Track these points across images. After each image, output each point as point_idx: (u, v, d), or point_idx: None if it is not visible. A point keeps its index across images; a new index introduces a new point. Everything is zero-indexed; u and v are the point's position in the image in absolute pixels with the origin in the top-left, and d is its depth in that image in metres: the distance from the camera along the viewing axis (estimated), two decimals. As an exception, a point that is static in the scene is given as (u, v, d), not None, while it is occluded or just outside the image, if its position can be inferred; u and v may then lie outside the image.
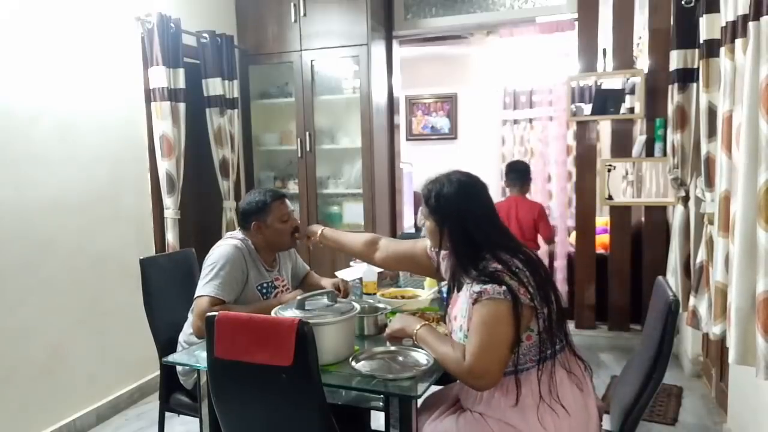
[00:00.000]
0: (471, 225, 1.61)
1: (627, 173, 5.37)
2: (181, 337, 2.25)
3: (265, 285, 2.25)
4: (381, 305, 2.06)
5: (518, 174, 3.98)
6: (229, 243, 2.19)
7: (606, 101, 4.00)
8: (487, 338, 1.46)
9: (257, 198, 2.24)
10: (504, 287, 1.48)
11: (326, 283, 2.39)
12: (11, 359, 2.59)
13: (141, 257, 2.30)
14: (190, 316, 2.23)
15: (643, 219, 4.06)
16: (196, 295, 2.08)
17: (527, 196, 4.00)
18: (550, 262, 4.44)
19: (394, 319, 1.78)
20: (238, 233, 2.28)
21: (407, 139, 7.21)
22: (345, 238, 2.20)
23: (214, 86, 3.69)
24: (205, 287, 2.06)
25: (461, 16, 4.23)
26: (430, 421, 1.69)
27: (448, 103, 7.18)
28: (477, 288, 1.51)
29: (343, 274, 2.51)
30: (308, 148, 4.12)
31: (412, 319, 1.74)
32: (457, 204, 1.63)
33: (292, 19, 4.05)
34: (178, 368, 2.23)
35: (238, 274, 2.13)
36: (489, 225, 1.64)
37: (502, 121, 6.55)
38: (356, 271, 2.54)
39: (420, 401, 1.62)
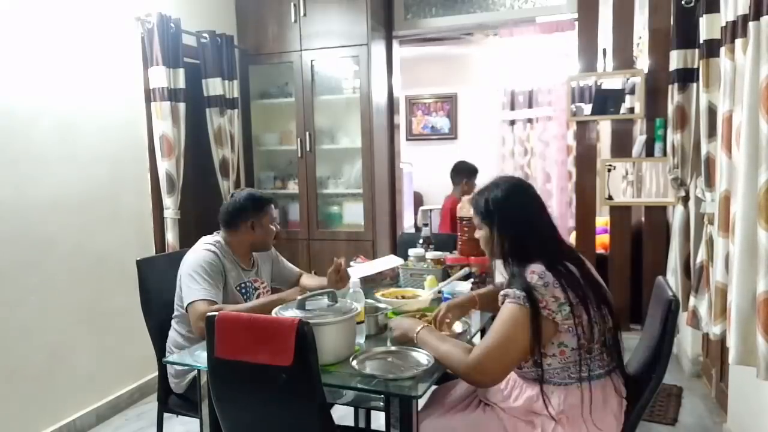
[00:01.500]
0: (521, 226, 1.60)
1: (627, 173, 5.38)
2: (169, 343, 2.26)
3: (243, 285, 2.27)
4: (381, 305, 2.06)
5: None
6: (202, 248, 2.20)
7: (606, 101, 4.00)
8: (498, 338, 1.47)
9: (255, 197, 2.29)
10: (524, 293, 1.46)
11: (323, 281, 2.38)
12: (11, 359, 2.59)
13: (138, 258, 2.30)
14: (175, 326, 2.24)
15: (643, 219, 4.06)
16: (188, 302, 2.07)
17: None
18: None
19: (393, 325, 1.78)
20: (209, 237, 2.29)
21: (407, 139, 7.22)
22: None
23: (214, 86, 3.69)
24: (194, 293, 2.07)
25: (461, 16, 4.23)
26: (431, 419, 1.69)
27: (448, 103, 7.19)
28: (505, 290, 1.53)
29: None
30: (308, 148, 4.12)
31: (411, 322, 1.74)
32: (506, 205, 1.62)
33: (292, 19, 4.05)
34: (169, 372, 2.23)
35: (217, 277, 2.15)
36: (543, 226, 1.63)
37: (502, 121, 6.55)
38: (356, 271, 2.54)
39: (421, 401, 1.62)
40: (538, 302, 1.46)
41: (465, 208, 2.59)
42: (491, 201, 1.63)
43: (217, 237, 2.29)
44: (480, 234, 1.70)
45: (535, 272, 1.49)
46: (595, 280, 1.58)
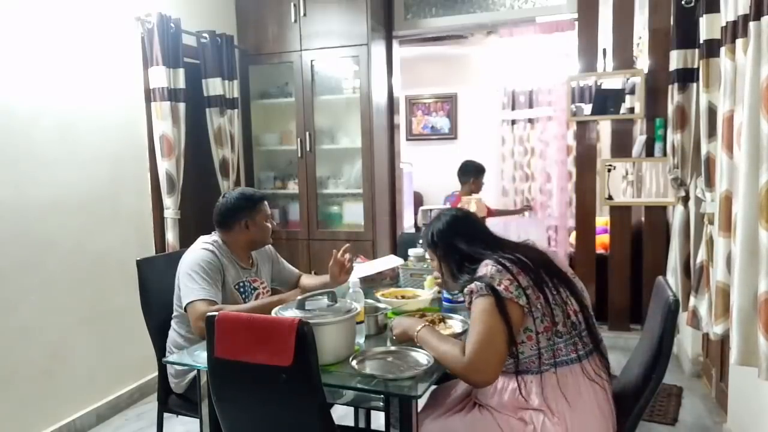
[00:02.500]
0: (459, 242, 1.74)
1: (627, 173, 5.38)
2: (169, 343, 2.26)
3: (242, 284, 2.27)
4: (381, 305, 2.06)
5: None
6: (200, 247, 2.20)
7: (606, 101, 4.00)
8: (481, 332, 1.48)
9: (246, 196, 2.29)
10: (484, 284, 1.52)
11: (325, 279, 2.38)
12: (11, 359, 2.59)
13: (138, 258, 2.30)
14: (174, 326, 2.23)
15: (643, 219, 4.06)
16: (186, 302, 2.06)
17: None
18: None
19: (394, 323, 1.78)
20: (206, 237, 2.29)
21: (407, 139, 7.22)
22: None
23: (214, 86, 3.69)
24: (193, 293, 2.06)
25: (461, 16, 4.23)
26: (431, 419, 1.69)
27: (448, 103, 7.19)
28: (469, 287, 1.57)
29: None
30: (308, 148, 4.12)
31: (412, 321, 1.74)
32: (447, 231, 1.79)
33: (292, 19, 4.05)
34: (169, 372, 2.23)
35: (216, 276, 2.14)
36: (475, 237, 1.75)
37: (502, 121, 6.55)
38: (356, 271, 2.53)
39: (421, 401, 1.62)
40: (496, 285, 1.51)
41: (465, 208, 2.59)
42: (435, 233, 1.80)
43: (215, 236, 2.29)
44: (434, 265, 1.85)
45: (488, 264, 1.58)
46: (552, 264, 1.64)
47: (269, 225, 2.34)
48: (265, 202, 2.34)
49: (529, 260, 1.59)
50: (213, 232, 2.33)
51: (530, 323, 1.52)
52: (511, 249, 1.67)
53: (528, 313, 1.51)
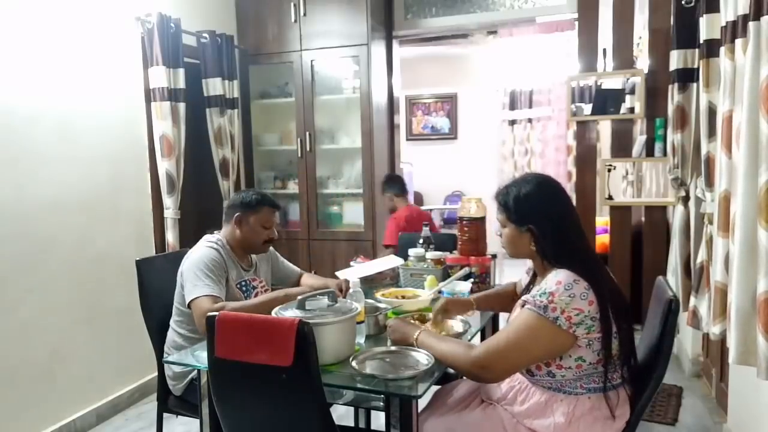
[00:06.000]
0: (558, 223, 1.53)
1: (627, 173, 5.38)
2: (167, 344, 2.25)
3: (243, 283, 2.27)
4: (381, 305, 2.06)
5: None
6: (205, 246, 2.20)
7: (606, 101, 4.00)
8: (511, 342, 1.45)
9: (252, 196, 2.27)
10: (545, 303, 1.42)
11: (330, 284, 2.38)
12: (11, 359, 2.59)
13: (137, 258, 2.30)
14: (174, 326, 2.23)
15: (643, 219, 4.06)
16: (190, 298, 2.06)
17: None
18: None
19: (392, 329, 1.77)
20: (211, 236, 2.29)
21: (407, 139, 7.23)
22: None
23: (214, 86, 3.70)
24: (198, 289, 2.06)
25: (461, 16, 4.23)
26: (433, 418, 1.69)
27: (448, 103, 7.19)
28: (526, 296, 1.50)
29: (343, 274, 2.51)
30: (308, 148, 4.12)
31: (409, 327, 1.73)
32: (539, 202, 1.55)
33: (292, 19, 4.05)
34: (167, 374, 2.23)
35: (220, 273, 2.14)
36: (575, 227, 1.56)
37: (502, 121, 6.56)
38: (356, 271, 2.54)
39: (422, 401, 1.62)
40: (558, 313, 1.41)
41: (465, 208, 2.59)
42: (523, 197, 1.55)
43: (218, 235, 2.29)
44: (504, 232, 1.63)
45: (562, 282, 1.43)
46: (617, 290, 1.53)
47: (263, 231, 2.26)
48: (267, 208, 2.26)
49: (605, 286, 1.47)
50: (216, 232, 2.33)
51: (585, 353, 1.46)
52: (597, 262, 1.55)
53: (585, 345, 1.45)
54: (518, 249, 1.61)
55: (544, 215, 1.54)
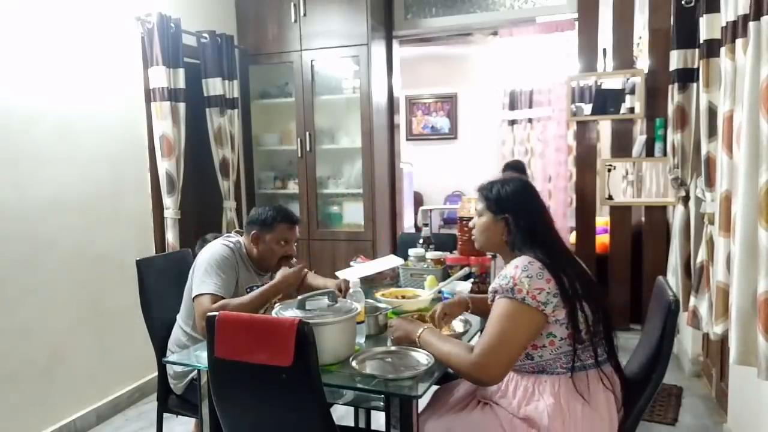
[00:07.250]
0: (532, 218, 1.65)
1: (627, 173, 5.38)
2: (172, 341, 2.25)
3: (254, 288, 2.25)
4: (381, 305, 2.06)
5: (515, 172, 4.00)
6: (221, 244, 2.20)
7: (606, 101, 4.00)
8: (496, 335, 1.48)
9: (269, 213, 2.22)
10: (511, 286, 1.49)
11: (329, 284, 2.38)
12: (11, 359, 2.59)
13: (137, 258, 2.30)
14: (180, 323, 2.23)
15: (643, 219, 4.06)
16: (195, 294, 2.06)
17: None
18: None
19: (394, 327, 1.77)
20: (233, 235, 2.29)
21: (407, 139, 7.22)
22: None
23: (214, 86, 3.69)
24: (204, 286, 2.06)
25: (461, 16, 4.23)
26: (433, 419, 1.69)
27: (448, 103, 7.19)
28: (494, 285, 1.56)
29: (343, 274, 2.51)
30: (308, 148, 4.12)
31: (412, 326, 1.73)
32: (519, 196, 1.68)
33: (292, 19, 4.05)
34: (169, 373, 2.23)
35: (230, 272, 2.14)
36: (545, 225, 1.67)
37: (502, 121, 6.55)
38: (357, 271, 2.54)
39: (422, 401, 1.62)
40: (525, 294, 1.48)
41: (465, 208, 2.59)
42: (504, 190, 1.68)
43: (238, 237, 2.29)
44: (480, 220, 1.73)
45: (519, 266, 1.53)
46: (588, 277, 1.62)
47: (279, 248, 2.22)
48: (285, 225, 2.22)
49: (566, 266, 1.56)
50: (233, 231, 2.34)
51: (555, 329, 1.52)
52: (564, 252, 1.64)
53: (554, 322, 1.51)
54: (489, 239, 1.72)
55: (520, 208, 1.66)
